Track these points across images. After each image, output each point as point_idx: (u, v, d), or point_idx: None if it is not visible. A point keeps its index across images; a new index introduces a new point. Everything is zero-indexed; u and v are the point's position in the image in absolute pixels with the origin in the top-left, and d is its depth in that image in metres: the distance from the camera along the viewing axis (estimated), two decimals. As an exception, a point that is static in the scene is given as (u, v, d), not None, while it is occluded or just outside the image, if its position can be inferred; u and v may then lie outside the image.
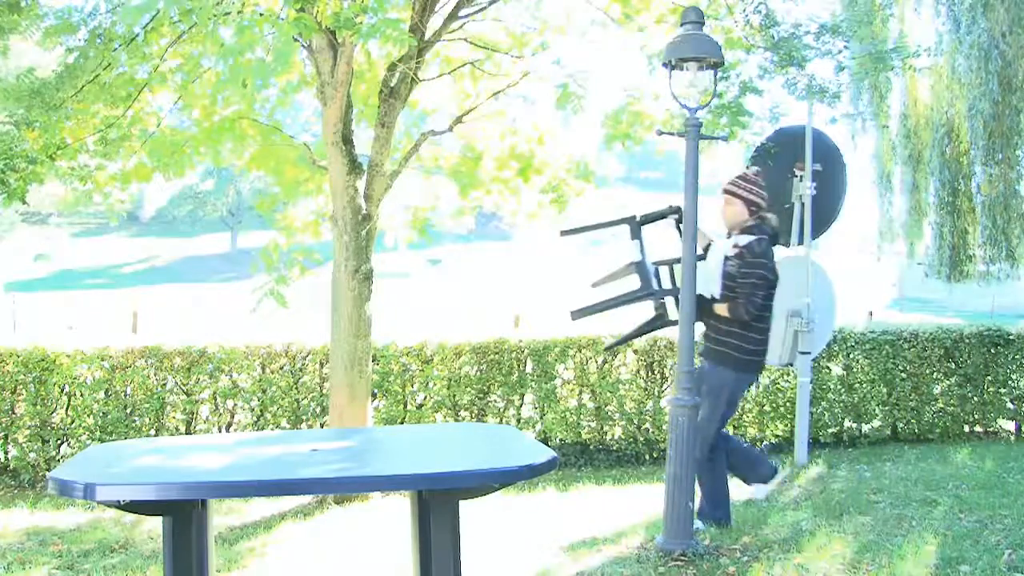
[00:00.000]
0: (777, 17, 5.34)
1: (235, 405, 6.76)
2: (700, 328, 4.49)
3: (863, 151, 10.92)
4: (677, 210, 4.51)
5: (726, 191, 4.51)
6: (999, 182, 9.04)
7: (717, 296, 4.45)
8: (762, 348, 4.52)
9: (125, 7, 4.71)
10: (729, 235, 4.54)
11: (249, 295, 6.21)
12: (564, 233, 4.78)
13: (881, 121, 9.85)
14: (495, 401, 7.14)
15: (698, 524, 4.45)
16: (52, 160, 5.54)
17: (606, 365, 7.22)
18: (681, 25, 4.28)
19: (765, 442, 7.48)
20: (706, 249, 4.69)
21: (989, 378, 7.77)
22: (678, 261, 4.45)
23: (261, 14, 4.28)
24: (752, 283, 4.35)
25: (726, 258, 4.44)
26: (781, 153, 6.44)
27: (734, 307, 4.39)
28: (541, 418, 7.17)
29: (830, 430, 7.56)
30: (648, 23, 6.13)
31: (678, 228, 4.49)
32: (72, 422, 6.49)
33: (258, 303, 6.00)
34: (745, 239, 4.41)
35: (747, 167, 4.82)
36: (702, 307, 4.40)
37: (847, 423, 7.63)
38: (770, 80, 5.51)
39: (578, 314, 4.66)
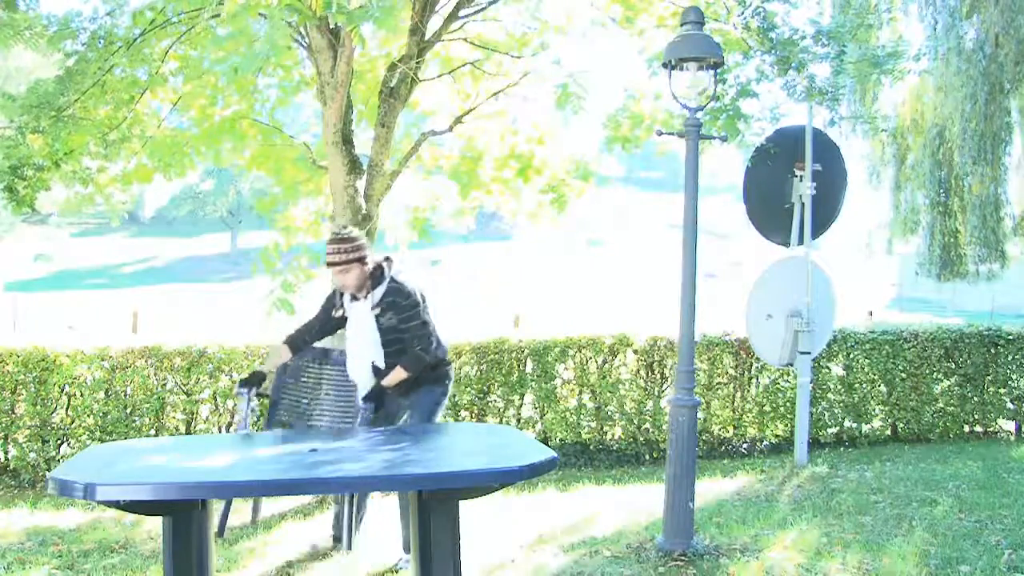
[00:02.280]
0: (776, 21, 5.33)
1: (235, 405, 6.75)
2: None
3: (858, 152, 10.98)
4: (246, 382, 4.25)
5: (336, 263, 4.04)
6: (989, 182, 9.07)
7: (382, 365, 4.11)
8: (446, 359, 4.28)
9: (136, 12, 4.71)
10: (354, 297, 4.16)
11: (259, 301, 6.23)
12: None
13: (876, 124, 9.87)
14: (495, 401, 7.14)
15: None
16: (58, 167, 5.56)
17: (606, 365, 7.22)
18: (681, 25, 4.28)
19: (765, 442, 7.49)
20: (284, 369, 4.45)
21: (989, 378, 7.77)
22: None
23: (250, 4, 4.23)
24: (422, 323, 4.08)
25: (377, 318, 4.09)
26: (780, 153, 6.44)
27: (415, 360, 4.06)
28: (541, 418, 7.17)
29: (830, 430, 7.56)
30: (648, 26, 6.13)
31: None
32: (72, 422, 6.49)
33: (271, 309, 6.02)
34: (380, 291, 4.10)
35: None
36: (381, 384, 4.09)
37: (847, 423, 7.63)
38: (769, 82, 5.50)
39: None
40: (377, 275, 4.11)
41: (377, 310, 4.09)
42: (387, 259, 4.20)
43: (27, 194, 5.46)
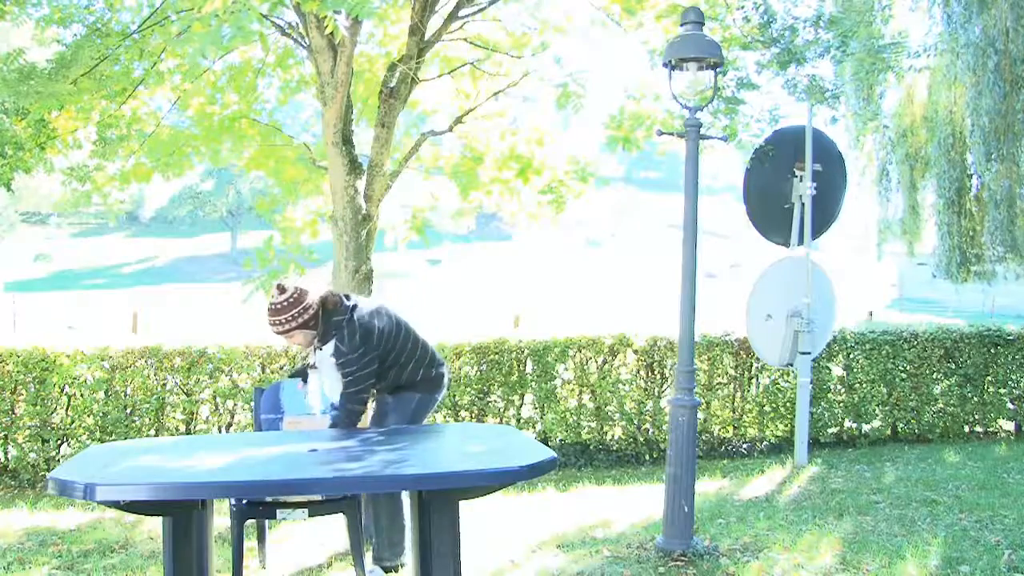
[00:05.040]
0: (776, 14, 5.33)
1: (235, 405, 6.75)
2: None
3: (863, 150, 10.90)
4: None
5: (278, 333, 3.92)
6: (1004, 180, 8.99)
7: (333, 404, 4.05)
8: (431, 368, 4.18)
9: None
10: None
11: (241, 286, 6.24)
12: None
13: (880, 120, 9.81)
14: (495, 401, 7.13)
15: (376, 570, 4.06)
16: (42, 149, 5.51)
17: (606, 365, 7.22)
18: (681, 25, 4.29)
19: (765, 442, 7.49)
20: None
21: (989, 378, 7.76)
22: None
23: None
24: (350, 375, 3.90)
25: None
26: (780, 153, 6.44)
27: (347, 413, 3.93)
28: (541, 418, 7.17)
29: (830, 430, 7.56)
30: (647, 19, 6.13)
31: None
32: (72, 422, 6.49)
33: (249, 295, 6.04)
34: (329, 347, 3.94)
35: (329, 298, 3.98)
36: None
37: (847, 423, 7.62)
38: (773, 74, 5.46)
39: None
40: (326, 333, 3.93)
41: (332, 360, 3.96)
42: (340, 302, 3.97)
43: (3, 172, 5.41)
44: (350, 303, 3.98)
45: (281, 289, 3.92)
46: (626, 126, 6.68)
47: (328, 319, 3.91)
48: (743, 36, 5.49)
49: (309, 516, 3.89)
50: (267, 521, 4.23)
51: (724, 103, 5.49)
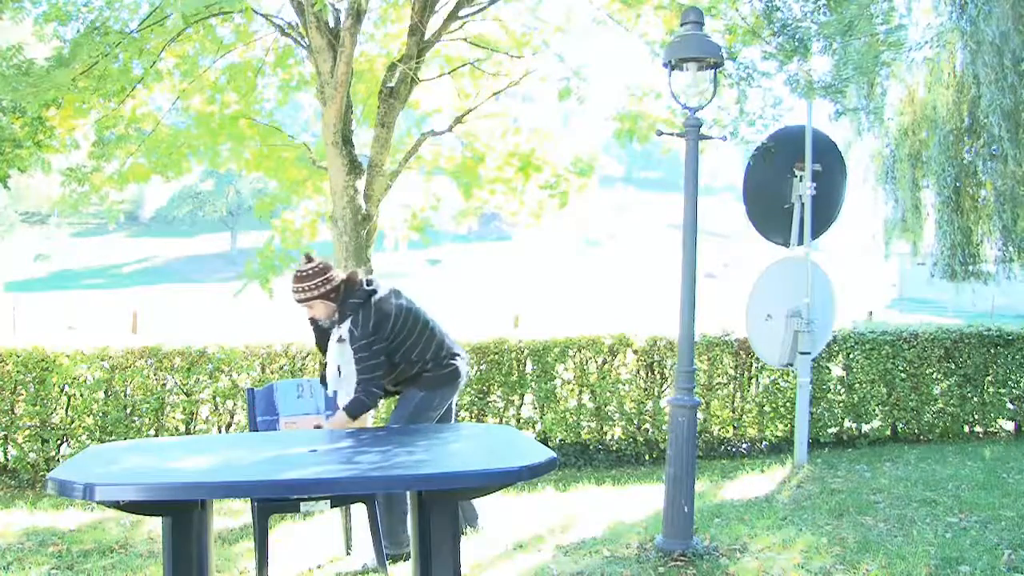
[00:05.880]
0: (778, 4, 5.29)
1: (235, 405, 6.75)
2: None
3: (864, 149, 10.86)
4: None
5: (299, 301, 4.03)
6: (1010, 180, 8.93)
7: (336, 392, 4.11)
8: (443, 364, 4.13)
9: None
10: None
11: (237, 280, 6.28)
12: None
13: (882, 114, 9.72)
14: (495, 401, 7.13)
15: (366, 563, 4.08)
16: (39, 147, 5.52)
17: (606, 365, 7.21)
18: (681, 25, 4.29)
19: (765, 442, 7.48)
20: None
21: (989, 378, 7.76)
22: None
23: None
24: (362, 360, 3.94)
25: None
26: (780, 153, 6.44)
27: (354, 404, 3.95)
28: (541, 418, 7.17)
29: (830, 430, 7.55)
30: (647, 11, 6.12)
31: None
32: (72, 422, 6.49)
33: (243, 287, 6.06)
34: (345, 326, 3.99)
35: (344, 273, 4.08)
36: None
37: (847, 423, 7.62)
38: (776, 68, 5.40)
39: None
40: (345, 311, 3.98)
41: (344, 341, 4.01)
42: (360, 284, 4.03)
43: (0, 170, 5.42)
44: (370, 288, 4.04)
45: (308, 258, 4.01)
46: (630, 120, 6.69)
47: (346, 298, 3.98)
48: (747, 28, 5.47)
49: (332, 507, 3.93)
50: (268, 522, 4.24)
51: (738, 81, 5.42)
